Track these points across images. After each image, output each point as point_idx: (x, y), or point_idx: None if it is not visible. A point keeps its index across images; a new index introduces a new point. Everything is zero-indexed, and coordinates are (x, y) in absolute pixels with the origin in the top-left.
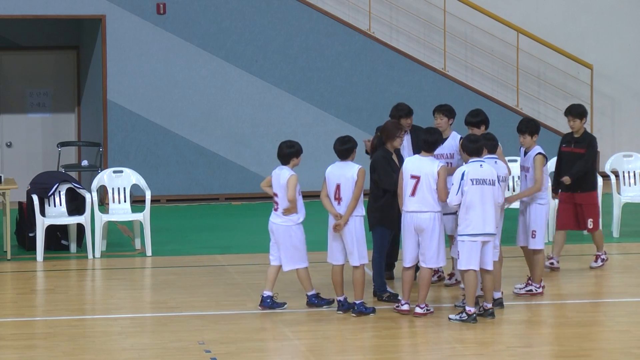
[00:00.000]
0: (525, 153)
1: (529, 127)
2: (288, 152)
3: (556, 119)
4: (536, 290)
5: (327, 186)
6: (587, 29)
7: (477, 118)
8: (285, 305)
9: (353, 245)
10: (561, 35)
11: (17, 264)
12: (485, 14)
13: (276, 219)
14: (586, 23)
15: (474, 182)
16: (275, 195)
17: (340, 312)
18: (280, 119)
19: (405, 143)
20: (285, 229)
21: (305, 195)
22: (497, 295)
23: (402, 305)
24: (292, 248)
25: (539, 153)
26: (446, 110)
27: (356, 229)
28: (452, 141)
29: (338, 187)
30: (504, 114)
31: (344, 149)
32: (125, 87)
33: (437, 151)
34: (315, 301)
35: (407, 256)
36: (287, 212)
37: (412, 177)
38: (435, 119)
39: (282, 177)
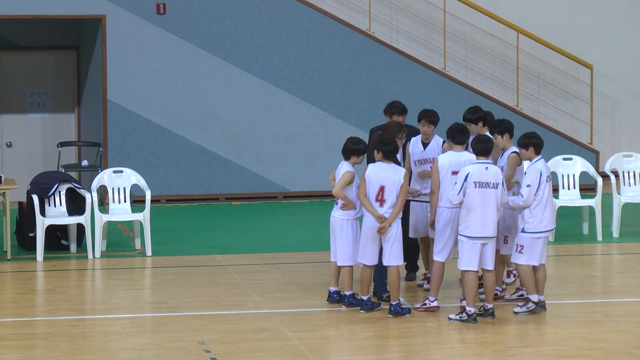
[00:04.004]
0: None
1: (496, 126)
2: (349, 148)
3: (556, 119)
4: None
5: (368, 187)
6: (587, 29)
7: (475, 115)
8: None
9: (390, 246)
10: (561, 35)
11: (17, 264)
12: (485, 14)
13: (335, 212)
14: (586, 23)
15: (477, 185)
16: None
17: (363, 311)
18: (280, 118)
19: None
20: (341, 222)
21: (306, 195)
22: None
23: (431, 301)
24: (346, 243)
25: (513, 152)
26: (432, 116)
27: (397, 231)
28: (436, 145)
29: (382, 189)
30: (504, 114)
31: (389, 150)
32: (125, 87)
33: (422, 156)
34: (353, 301)
35: (448, 252)
36: (345, 207)
37: (454, 173)
38: (422, 126)
39: (340, 171)
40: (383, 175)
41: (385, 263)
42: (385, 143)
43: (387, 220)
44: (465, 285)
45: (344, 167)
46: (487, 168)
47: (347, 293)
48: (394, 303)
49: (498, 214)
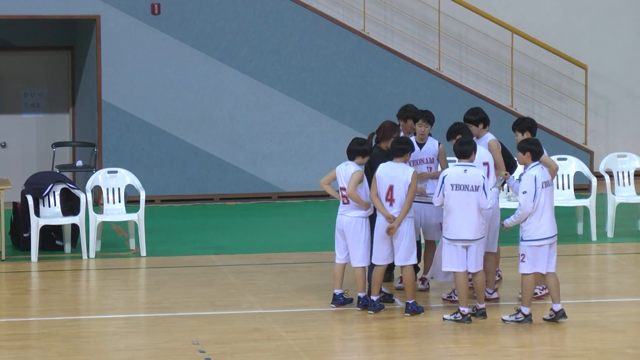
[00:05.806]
0: None
1: (517, 124)
2: (355, 149)
3: (550, 120)
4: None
5: (378, 187)
6: (582, 30)
7: (476, 116)
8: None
9: (401, 246)
10: (555, 35)
11: (11, 264)
12: (479, 14)
13: (346, 212)
14: (581, 23)
15: (454, 188)
16: (343, 189)
17: (372, 312)
18: (275, 119)
19: None
20: (355, 221)
21: (301, 196)
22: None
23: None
24: (362, 243)
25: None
26: (429, 116)
27: (409, 230)
28: (431, 146)
29: (391, 188)
30: (498, 114)
31: (399, 148)
32: (120, 87)
33: (417, 156)
34: (366, 303)
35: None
36: (364, 208)
37: None
38: (419, 127)
39: (347, 171)
40: (392, 174)
41: (397, 263)
42: (397, 142)
43: (395, 220)
44: (456, 286)
45: (352, 167)
46: (465, 171)
47: (361, 295)
48: (410, 302)
49: (481, 216)
